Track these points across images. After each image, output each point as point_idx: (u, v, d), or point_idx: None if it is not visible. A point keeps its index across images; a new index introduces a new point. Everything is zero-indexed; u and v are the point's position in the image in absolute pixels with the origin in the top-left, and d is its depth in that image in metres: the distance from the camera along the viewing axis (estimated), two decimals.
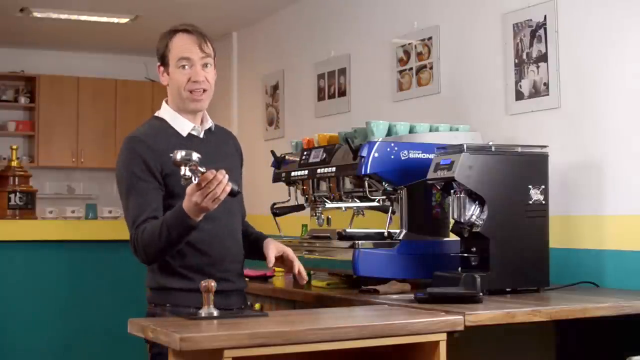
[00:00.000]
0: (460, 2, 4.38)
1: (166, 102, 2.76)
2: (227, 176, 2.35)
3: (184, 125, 2.70)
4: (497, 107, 4.03)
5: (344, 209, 3.58)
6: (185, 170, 2.29)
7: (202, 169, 2.31)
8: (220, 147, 2.79)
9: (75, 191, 8.42)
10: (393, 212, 3.37)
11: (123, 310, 4.02)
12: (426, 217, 3.37)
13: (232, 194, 2.39)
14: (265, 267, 2.99)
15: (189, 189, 2.36)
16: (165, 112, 2.73)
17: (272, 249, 2.80)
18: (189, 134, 2.71)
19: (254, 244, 2.87)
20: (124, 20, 6.90)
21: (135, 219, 2.57)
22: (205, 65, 2.66)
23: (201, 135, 2.74)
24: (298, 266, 2.82)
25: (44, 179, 8.03)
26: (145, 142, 2.63)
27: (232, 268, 2.74)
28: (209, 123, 2.77)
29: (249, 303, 3.00)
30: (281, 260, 2.84)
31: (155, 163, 2.60)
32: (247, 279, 3.11)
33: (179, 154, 2.27)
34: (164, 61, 2.68)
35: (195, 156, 2.29)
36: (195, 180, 2.31)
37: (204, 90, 2.67)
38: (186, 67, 2.64)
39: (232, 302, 2.71)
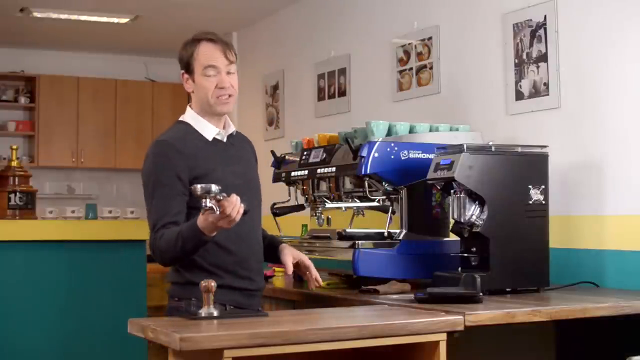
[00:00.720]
0: (460, 2, 4.38)
1: (190, 107, 2.84)
2: (239, 198, 2.44)
3: (209, 130, 2.79)
4: (497, 107, 4.03)
5: (344, 209, 3.58)
6: (206, 203, 2.39)
7: (220, 197, 2.40)
8: (240, 151, 2.88)
9: (75, 191, 8.41)
10: (393, 212, 3.37)
11: (123, 310, 4.03)
12: (426, 217, 3.37)
13: (245, 213, 2.49)
14: (266, 267, 3.09)
15: (207, 212, 2.45)
16: (190, 116, 2.81)
17: (289, 255, 2.90)
18: (214, 138, 2.80)
19: (268, 248, 2.95)
20: (124, 20, 6.89)
21: (156, 222, 2.64)
22: (229, 72, 2.79)
23: (224, 140, 2.82)
24: (314, 273, 2.92)
25: (44, 179, 8.02)
26: (174, 145, 2.70)
27: (255, 267, 2.81)
28: (232, 128, 2.87)
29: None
30: (297, 266, 2.92)
31: (184, 167, 2.68)
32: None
33: (200, 188, 2.39)
34: (188, 69, 2.78)
35: (215, 188, 2.39)
36: (217, 210, 2.41)
37: (230, 95, 2.79)
38: (212, 74, 2.75)
39: (254, 303, 2.78)
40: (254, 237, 2.82)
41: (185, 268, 2.70)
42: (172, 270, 2.78)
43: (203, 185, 2.39)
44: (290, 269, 2.87)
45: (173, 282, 2.78)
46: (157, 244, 2.62)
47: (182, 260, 2.65)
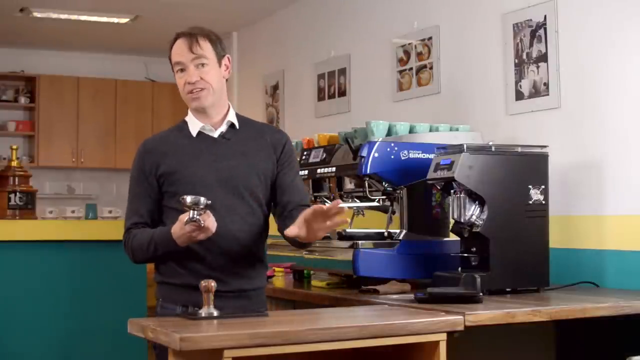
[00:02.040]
0: (460, 2, 4.38)
1: None
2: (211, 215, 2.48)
3: (193, 125, 2.74)
4: (497, 107, 4.03)
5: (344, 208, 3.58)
6: (193, 214, 2.44)
7: (202, 214, 2.45)
8: (240, 145, 2.75)
9: (75, 191, 8.41)
10: (393, 212, 3.37)
11: (123, 310, 4.02)
12: (426, 217, 3.37)
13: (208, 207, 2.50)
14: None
15: (183, 219, 2.47)
16: (188, 114, 2.79)
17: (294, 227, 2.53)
18: (200, 133, 2.72)
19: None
20: (124, 20, 6.89)
21: (126, 222, 2.75)
22: (200, 65, 2.66)
23: (215, 135, 2.73)
24: (326, 208, 2.44)
25: (44, 179, 8.02)
26: (145, 145, 2.75)
27: (227, 269, 2.65)
28: (228, 120, 2.75)
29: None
30: (312, 220, 2.49)
31: (151, 166, 2.71)
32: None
33: (189, 199, 2.43)
34: (172, 69, 2.74)
35: (203, 201, 2.43)
36: (202, 223, 2.45)
37: (202, 89, 2.67)
38: (181, 71, 2.69)
39: (224, 305, 2.52)
40: (229, 236, 2.64)
41: (157, 267, 2.76)
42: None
43: (192, 197, 2.42)
44: (298, 230, 2.50)
45: (155, 281, 2.83)
46: (129, 244, 2.70)
47: (153, 261, 2.73)
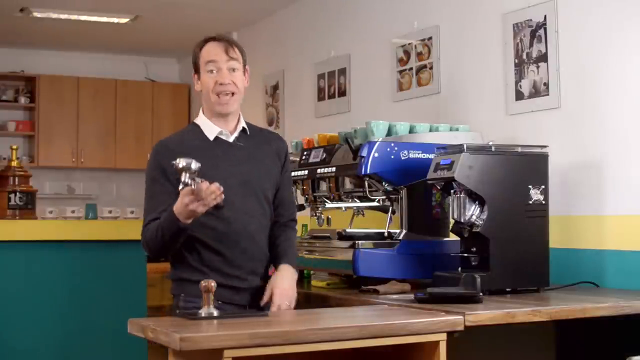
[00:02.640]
0: (460, 2, 4.38)
1: (202, 109, 2.90)
2: (221, 187, 2.53)
3: (211, 130, 2.83)
4: (497, 107, 4.03)
5: (344, 209, 3.58)
6: (185, 177, 2.46)
7: (198, 180, 2.48)
8: (252, 151, 2.86)
9: (75, 191, 8.41)
10: (393, 212, 3.37)
11: (123, 310, 4.02)
12: (426, 217, 3.37)
13: (217, 207, 2.57)
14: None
15: (184, 191, 2.51)
16: (200, 117, 2.88)
17: (269, 287, 2.80)
18: (217, 137, 2.83)
19: (272, 259, 2.90)
20: (124, 20, 6.89)
21: (145, 218, 2.77)
22: (232, 69, 2.79)
23: (230, 140, 2.84)
24: (276, 302, 2.76)
25: (44, 179, 8.02)
26: (167, 146, 2.80)
27: (247, 266, 2.79)
28: (242, 126, 2.87)
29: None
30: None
31: (172, 166, 2.69)
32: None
33: (181, 163, 2.45)
34: (196, 69, 2.83)
35: (195, 165, 2.45)
36: (193, 186, 2.48)
37: (233, 94, 2.80)
38: (214, 71, 2.78)
39: (238, 298, 2.78)
40: (248, 236, 2.78)
41: (178, 265, 2.81)
42: (170, 268, 2.87)
43: (185, 160, 2.44)
44: (265, 298, 2.78)
45: (171, 279, 2.88)
46: (144, 237, 2.75)
47: (167, 251, 2.73)
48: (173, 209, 2.57)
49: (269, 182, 2.87)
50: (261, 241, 2.85)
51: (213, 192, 2.50)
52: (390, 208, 3.37)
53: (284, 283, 2.78)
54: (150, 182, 2.78)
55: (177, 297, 2.80)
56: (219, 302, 2.59)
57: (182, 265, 2.79)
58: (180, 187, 2.49)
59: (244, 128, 2.87)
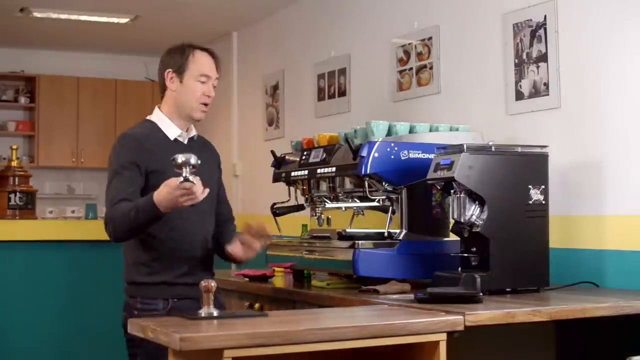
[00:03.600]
0: (460, 2, 4.38)
1: (158, 107, 3.05)
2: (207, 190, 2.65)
3: (172, 130, 2.99)
4: (497, 107, 4.03)
5: (344, 209, 3.58)
6: (186, 172, 2.52)
7: (197, 177, 2.57)
8: (201, 153, 2.92)
9: (75, 191, 8.41)
10: (393, 212, 3.37)
11: (123, 310, 4.02)
12: (426, 217, 3.37)
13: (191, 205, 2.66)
14: (266, 267, 3.33)
15: (171, 183, 2.59)
16: (157, 116, 3.03)
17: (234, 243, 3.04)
18: (175, 138, 3.00)
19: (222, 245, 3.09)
20: (124, 20, 6.89)
21: (113, 198, 2.83)
22: (214, 85, 3.02)
23: (185, 141, 3.02)
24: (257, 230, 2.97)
25: (44, 179, 8.02)
26: (136, 139, 2.92)
27: (199, 264, 2.99)
28: (193, 132, 3.08)
29: (247, 303, 3.30)
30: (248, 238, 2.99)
31: (142, 159, 2.88)
32: (246, 278, 3.56)
33: (180, 158, 2.51)
34: (179, 70, 2.97)
35: (194, 160, 2.53)
36: (195, 182, 2.54)
37: (208, 105, 3.02)
38: (204, 82, 2.97)
39: (194, 292, 2.80)
40: (200, 236, 2.99)
41: (131, 267, 2.95)
42: (125, 270, 2.99)
43: (184, 155, 2.51)
44: (237, 249, 3.00)
45: (126, 280, 3.00)
46: (112, 215, 2.78)
47: (134, 233, 2.80)
48: (153, 196, 2.65)
49: (217, 185, 3.11)
50: (210, 241, 3.06)
51: (201, 187, 2.60)
52: (390, 208, 3.37)
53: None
54: (120, 167, 2.86)
55: (134, 299, 2.93)
56: (175, 299, 2.86)
57: (136, 269, 2.92)
58: (180, 180, 2.53)
59: (195, 133, 3.08)
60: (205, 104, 2.98)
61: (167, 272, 2.89)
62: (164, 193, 2.62)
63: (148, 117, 3.05)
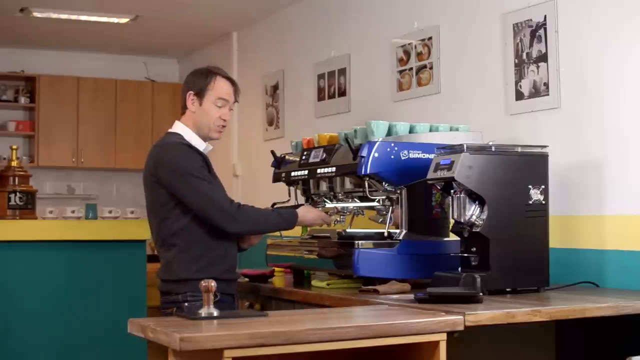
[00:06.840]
0: (460, 2, 4.38)
1: (179, 122, 3.23)
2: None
3: (199, 143, 3.20)
4: (497, 107, 4.03)
5: (341, 214, 3.59)
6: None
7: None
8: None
9: (75, 191, 8.41)
10: (393, 212, 3.37)
11: (123, 310, 4.03)
12: (426, 217, 3.37)
13: None
14: (266, 267, 3.49)
15: (325, 218, 3.39)
16: (182, 130, 3.21)
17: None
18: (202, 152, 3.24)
19: None
20: (124, 20, 6.89)
21: (226, 197, 3.10)
22: (231, 109, 3.25)
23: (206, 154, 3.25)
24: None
25: (44, 179, 8.02)
26: (192, 148, 3.13)
27: (235, 262, 3.23)
28: (209, 147, 3.30)
29: (247, 303, 3.54)
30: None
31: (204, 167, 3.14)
32: (246, 278, 3.73)
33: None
34: (200, 93, 3.18)
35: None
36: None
37: (225, 127, 3.26)
38: (221, 107, 3.18)
39: (232, 287, 3.22)
40: (234, 236, 3.23)
41: (177, 265, 3.07)
42: (162, 267, 3.13)
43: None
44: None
45: (169, 279, 3.08)
46: (243, 211, 3.09)
47: (263, 230, 3.20)
48: (298, 210, 3.23)
49: None
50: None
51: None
52: (391, 208, 3.37)
53: None
54: (203, 171, 3.08)
55: (183, 294, 3.06)
56: (219, 293, 2.92)
57: (183, 265, 3.08)
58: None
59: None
60: (222, 126, 3.20)
61: (213, 268, 3.07)
62: (312, 211, 3.32)
63: (171, 130, 3.22)
